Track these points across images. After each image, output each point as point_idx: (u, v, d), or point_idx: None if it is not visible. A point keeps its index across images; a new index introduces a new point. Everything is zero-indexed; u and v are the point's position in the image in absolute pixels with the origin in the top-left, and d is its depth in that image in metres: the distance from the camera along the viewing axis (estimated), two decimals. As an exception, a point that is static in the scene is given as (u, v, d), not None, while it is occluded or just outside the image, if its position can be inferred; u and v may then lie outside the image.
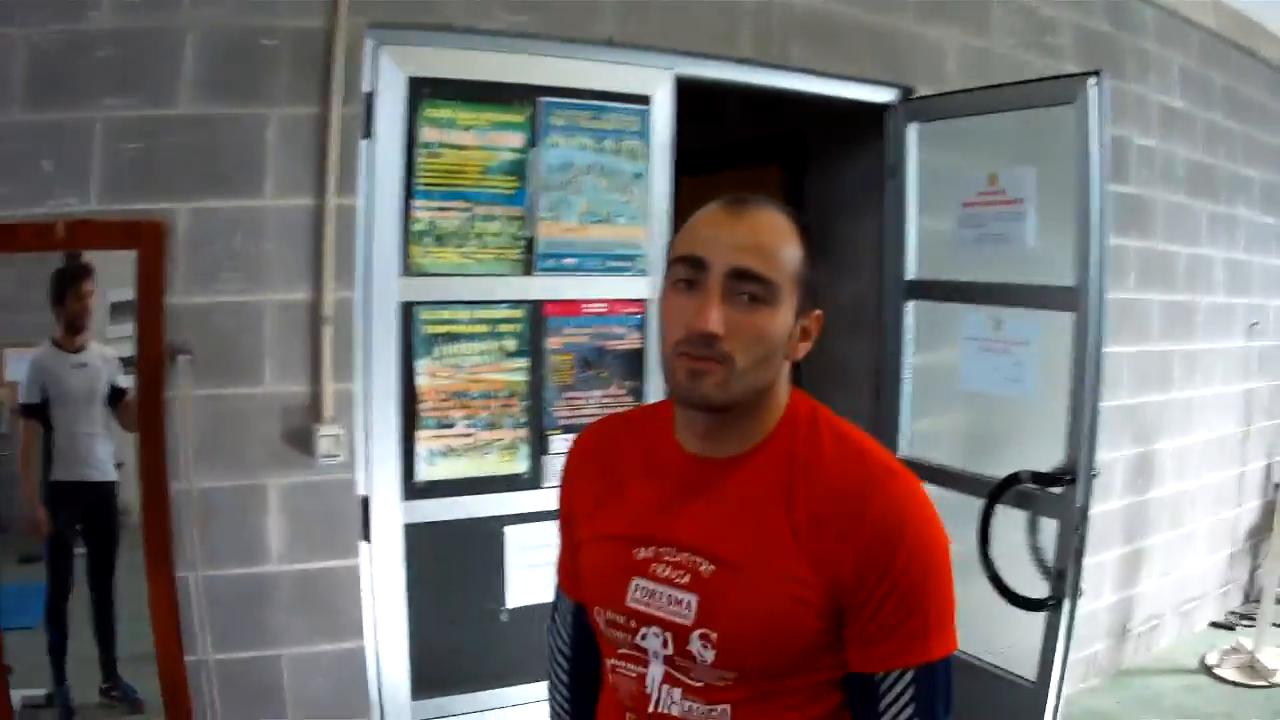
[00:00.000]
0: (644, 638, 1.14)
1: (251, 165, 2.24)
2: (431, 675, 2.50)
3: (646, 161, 2.70)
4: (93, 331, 2.23)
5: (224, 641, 2.26)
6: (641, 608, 1.13)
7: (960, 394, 3.04)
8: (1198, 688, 3.99)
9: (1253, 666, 4.04)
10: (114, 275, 2.16)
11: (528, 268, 2.58)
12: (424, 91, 2.42)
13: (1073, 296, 2.61)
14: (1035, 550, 2.72)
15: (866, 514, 1.06)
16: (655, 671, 1.14)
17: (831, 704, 1.12)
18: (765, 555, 1.08)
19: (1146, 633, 4.27)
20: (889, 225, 3.23)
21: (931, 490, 1.13)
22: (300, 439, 2.31)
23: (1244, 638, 4.24)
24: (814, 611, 1.06)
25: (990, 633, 2.72)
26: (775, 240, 1.10)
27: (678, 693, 1.12)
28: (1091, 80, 2.56)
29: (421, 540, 2.48)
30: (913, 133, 3.15)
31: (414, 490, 2.48)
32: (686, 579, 1.11)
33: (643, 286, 2.71)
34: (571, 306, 2.64)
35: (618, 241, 2.68)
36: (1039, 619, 2.69)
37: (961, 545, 2.63)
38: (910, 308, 3.19)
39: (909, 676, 1.07)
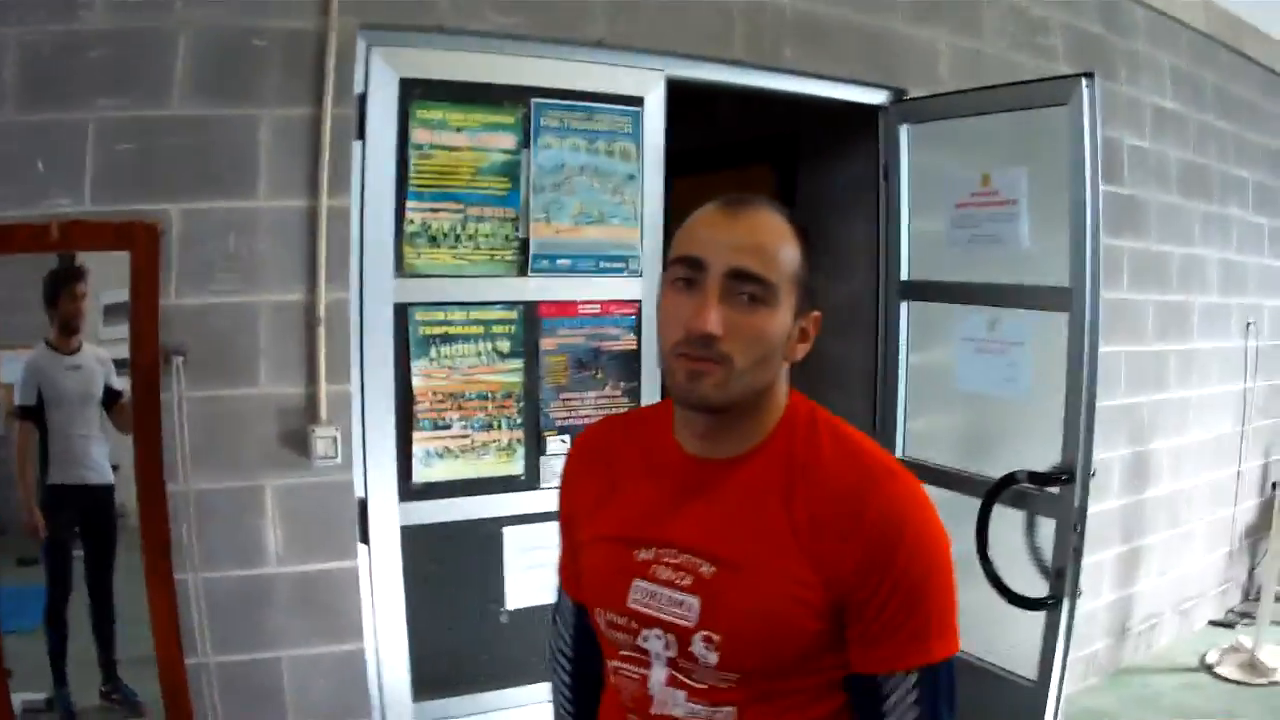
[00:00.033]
0: (646, 639, 1.13)
1: (245, 166, 2.24)
2: (432, 676, 2.50)
3: (639, 162, 2.70)
4: (87, 333, 2.23)
5: (223, 644, 2.25)
6: (642, 609, 1.13)
7: (956, 394, 3.04)
8: (1197, 686, 3.99)
9: (1252, 664, 4.03)
10: (108, 276, 2.16)
11: (522, 269, 2.58)
12: (416, 93, 2.43)
13: (1067, 297, 2.62)
14: (1033, 550, 2.72)
15: (866, 514, 1.05)
16: (658, 673, 1.13)
17: (835, 704, 1.12)
18: (766, 556, 1.08)
19: (1146, 631, 4.26)
20: (884, 226, 3.23)
21: (928, 490, 1.13)
22: (296, 440, 2.30)
23: (1243, 636, 4.24)
24: (815, 611, 1.06)
25: (990, 633, 2.72)
26: (774, 241, 1.09)
27: (681, 695, 1.12)
28: (1084, 81, 2.57)
29: (419, 542, 2.48)
30: (905, 134, 3.15)
31: (411, 492, 2.48)
32: (688, 580, 1.11)
33: (636, 287, 2.72)
34: (566, 307, 2.64)
35: (611, 242, 2.69)
36: (1038, 619, 2.69)
37: (959, 545, 2.62)
38: (905, 308, 3.20)
39: (912, 678, 1.06)
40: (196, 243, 2.20)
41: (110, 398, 2.23)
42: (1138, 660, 4.19)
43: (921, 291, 3.16)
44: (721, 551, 1.10)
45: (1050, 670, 2.67)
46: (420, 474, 2.49)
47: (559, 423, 2.64)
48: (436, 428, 2.51)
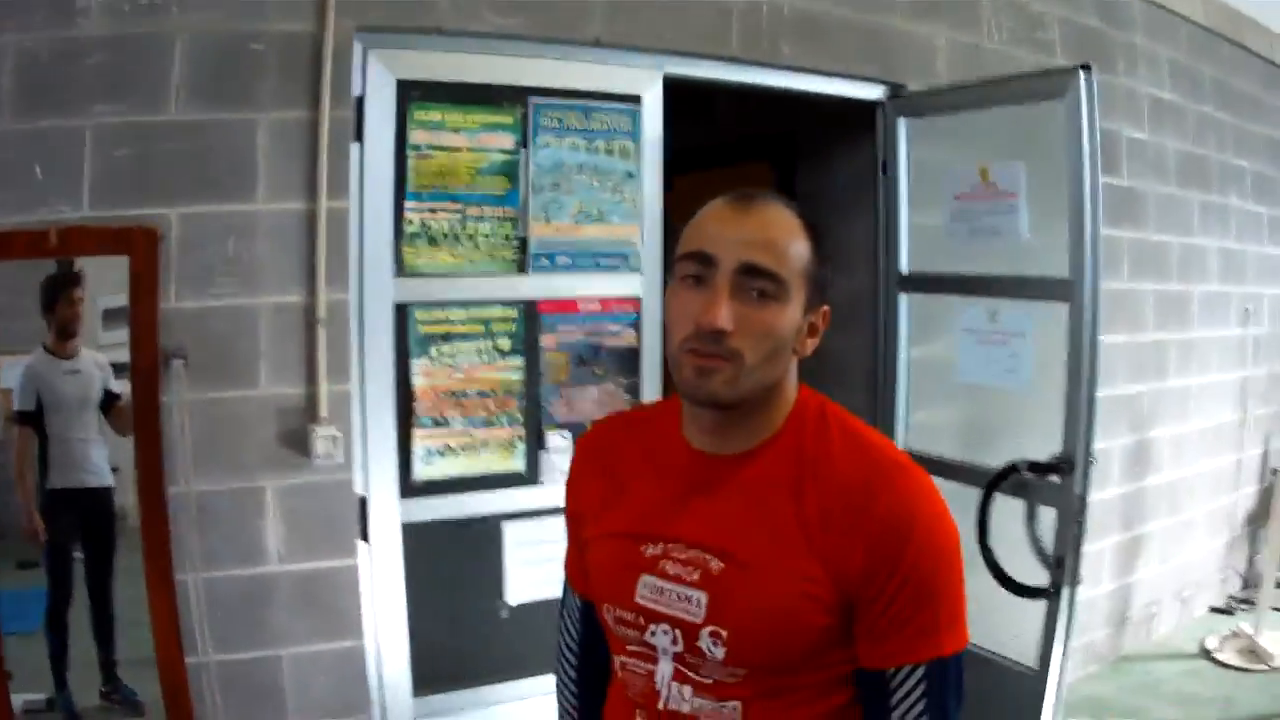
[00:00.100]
0: (653, 635, 1.13)
1: (243, 170, 2.24)
2: (432, 672, 2.51)
3: (637, 161, 2.70)
4: (84, 338, 2.24)
5: (224, 643, 2.26)
6: (650, 605, 1.13)
7: (957, 386, 3.04)
8: (1198, 672, 4.00)
9: (1252, 651, 4.05)
10: (107, 281, 2.16)
11: (521, 267, 2.58)
12: (413, 94, 2.42)
13: (1067, 288, 2.62)
14: (1034, 539, 2.72)
15: (875, 509, 1.05)
16: (665, 668, 1.13)
17: (842, 699, 1.11)
18: (774, 551, 1.08)
19: (1146, 619, 4.28)
20: (882, 220, 3.23)
21: (931, 481, 1.13)
22: (297, 440, 2.31)
23: (1243, 622, 4.26)
24: (823, 607, 1.06)
25: (992, 622, 2.73)
26: (784, 236, 1.09)
27: (688, 690, 1.12)
28: (1081, 74, 2.56)
29: (420, 539, 2.49)
30: (903, 128, 3.15)
31: (411, 489, 2.48)
32: (696, 576, 1.10)
33: (636, 284, 2.72)
34: (566, 305, 2.64)
35: (610, 240, 2.69)
36: (1039, 607, 2.69)
37: (960, 535, 2.63)
38: (905, 301, 3.20)
39: (920, 672, 1.06)
40: (195, 246, 2.21)
41: (108, 401, 2.24)
42: (1138, 647, 4.20)
43: (921, 284, 3.16)
44: (730, 547, 1.10)
45: (1051, 658, 2.68)
46: (421, 471, 2.50)
47: (560, 419, 2.65)
48: (437, 425, 2.51)
